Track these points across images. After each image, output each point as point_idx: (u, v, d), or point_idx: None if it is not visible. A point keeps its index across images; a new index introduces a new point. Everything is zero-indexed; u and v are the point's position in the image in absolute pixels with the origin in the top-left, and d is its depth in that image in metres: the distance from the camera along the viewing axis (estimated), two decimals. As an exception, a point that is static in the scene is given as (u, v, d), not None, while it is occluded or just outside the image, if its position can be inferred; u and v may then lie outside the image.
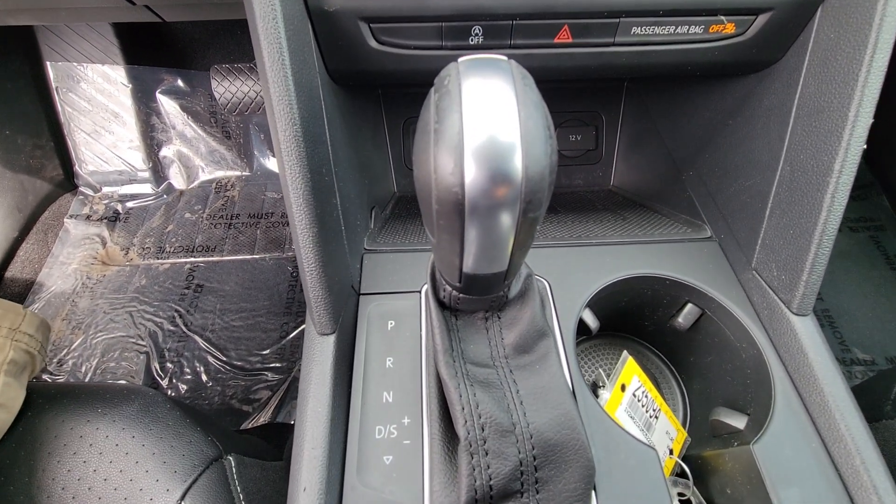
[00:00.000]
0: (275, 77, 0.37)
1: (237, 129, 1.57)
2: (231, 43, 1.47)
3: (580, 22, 0.41)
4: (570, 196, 0.76)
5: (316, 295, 0.42)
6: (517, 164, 0.23)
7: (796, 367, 0.43)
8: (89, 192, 1.54)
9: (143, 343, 1.24)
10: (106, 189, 1.54)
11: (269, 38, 0.36)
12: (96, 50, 1.43)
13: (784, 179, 0.45)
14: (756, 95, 0.49)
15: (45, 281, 1.36)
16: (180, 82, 1.50)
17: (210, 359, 1.22)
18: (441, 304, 0.38)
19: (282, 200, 1.55)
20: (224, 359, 1.22)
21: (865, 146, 0.40)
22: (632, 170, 0.75)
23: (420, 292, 0.49)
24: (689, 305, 0.53)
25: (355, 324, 0.47)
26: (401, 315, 0.47)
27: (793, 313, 0.45)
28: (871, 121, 0.39)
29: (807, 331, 0.44)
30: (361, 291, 0.50)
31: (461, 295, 0.35)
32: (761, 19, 0.42)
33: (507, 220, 0.26)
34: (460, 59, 0.26)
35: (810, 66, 0.43)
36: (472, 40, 0.42)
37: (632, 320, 0.59)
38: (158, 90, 1.49)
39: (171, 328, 1.27)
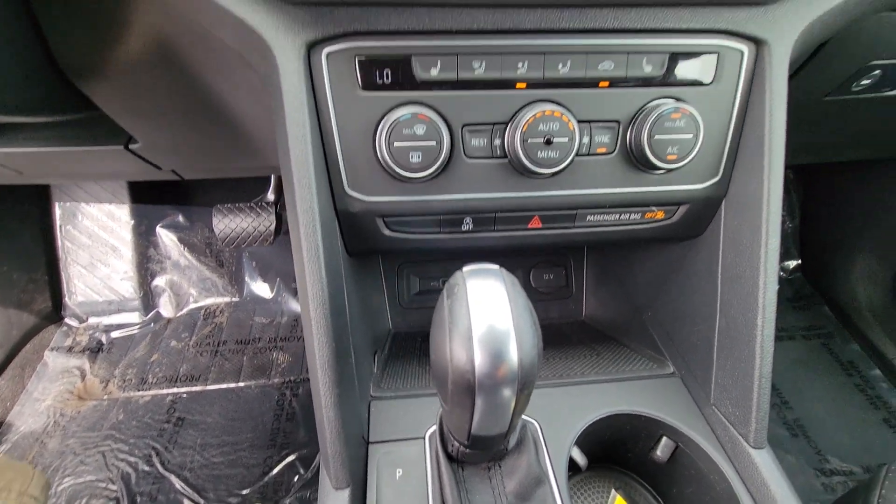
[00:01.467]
0: (311, 266, 0.46)
1: (231, 258, 1.66)
2: (232, 181, 1.62)
3: (547, 213, 0.54)
4: (549, 328, 0.85)
5: (335, 451, 0.46)
6: (513, 354, 0.32)
7: (762, 499, 0.49)
8: (75, 322, 1.55)
9: (115, 487, 1.17)
10: (92, 319, 1.56)
11: (308, 238, 0.46)
12: (105, 192, 1.55)
13: (722, 329, 0.55)
14: (689, 259, 0.61)
15: (14, 420, 1.30)
16: (181, 217, 1.62)
17: (186, 502, 1.15)
18: (449, 458, 0.43)
19: (269, 325, 1.59)
20: (201, 501, 1.15)
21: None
22: (600, 304, 0.86)
23: (424, 438, 0.54)
24: (665, 439, 0.59)
25: (366, 474, 0.51)
26: (408, 463, 0.51)
27: (751, 447, 0.52)
28: (777, 287, 0.50)
29: (765, 463, 0.51)
30: (370, 440, 0.54)
31: (468, 450, 0.41)
32: (682, 209, 0.56)
33: (507, 394, 0.33)
34: (464, 269, 0.36)
35: (724, 241, 0.55)
36: (464, 227, 0.54)
37: (617, 452, 0.64)
38: (159, 225, 1.60)
39: (147, 468, 1.21)
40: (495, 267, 0.36)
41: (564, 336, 0.81)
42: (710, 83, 0.50)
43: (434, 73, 0.47)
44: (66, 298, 1.56)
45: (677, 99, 0.49)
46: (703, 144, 0.50)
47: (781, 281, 1.76)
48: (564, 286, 0.89)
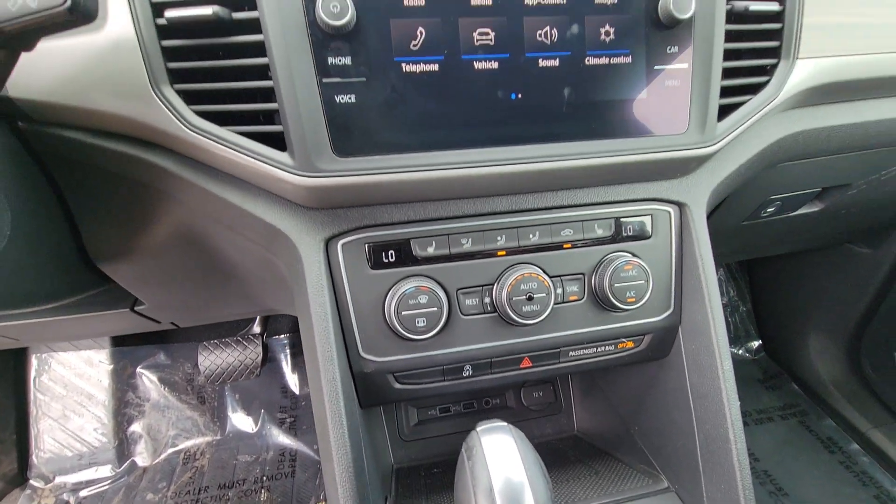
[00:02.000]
0: (335, 432, 0.51)
1: (213, 393, 1.63)
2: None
3: (535, 354, 0.62)
4: (545, 447, 0.88)
5: None
6: (529, 501, 0.37)
7: None
8: (40, 483, 1.43)
9: None
10: (59, 478, 1.45)
11: (332, 403, 0.52)
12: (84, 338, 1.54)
13: (703, 443, 0.62)
14: (662, 378, 0.69)
15: None
16: (162, 356, 1.60)
17: None
18: None
19: (255, 462, 1.52)
20: None
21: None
22: (590, 417, 0.91)
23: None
24: (671, 558, 0.61)
25: None
26: None
27: (750, 558, 0.56)
28: (739, 403, 0.58)
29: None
30: None
31: None
32: (647, 337, 0.65)
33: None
34: (478, 429, 0.42)
35: (688, 363, 0.64)
36: (464, 374, 0.61)
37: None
38: (140, 366, 1.57)
39: None
40: (504, 424, 0.42)
41: (561, 454, 0.85)
42: (650, 238, 0.62)
43: (430, 250, 0.57)
44: (33, 457, 1.46)
45: (630, 253, 0.61)
46: (654, 286, 0.61)
47: (750, 362, 1.87)
48: (554, 401, 0.94)
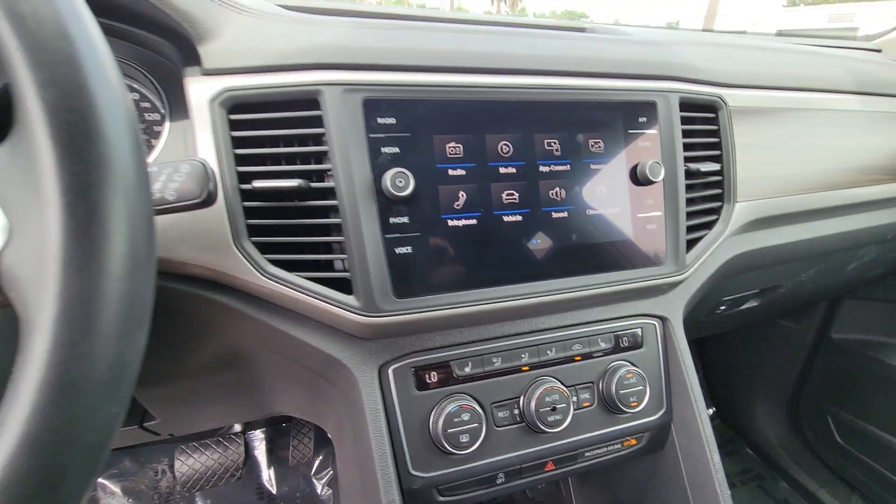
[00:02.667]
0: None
1: (180, 501, 1.51)
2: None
3: (557, 457, 0.70)
4: None
5: None
6: None
7: None
8: None
9: None
10: None
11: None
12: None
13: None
14: (660, 469, 0.79)
15: None
16: (128, 462, 1.49)
17: None
18: None
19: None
20: None
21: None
22: (589, 505, 0.98)
23: None
24: None
25: None
26: None
27: None
28: (729, 491, 0.69)
29: None
30: None
31: None
32: (647, 435, 0.75)
33: None
34: None
35: (682, 455, 0.75)
36: (498, 481, 0.67)
37: None
38: (102, 477, 1.45)
39: None
40: None
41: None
42: (642, 347, 0.74)
43: (467, 370, 0.65)
44: None
45: (628, 361, 0.72)
46: (651, 389, 0.72)
47: (707, 428, 2.01)
48: (558, 494, 1.00)
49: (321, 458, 1.63)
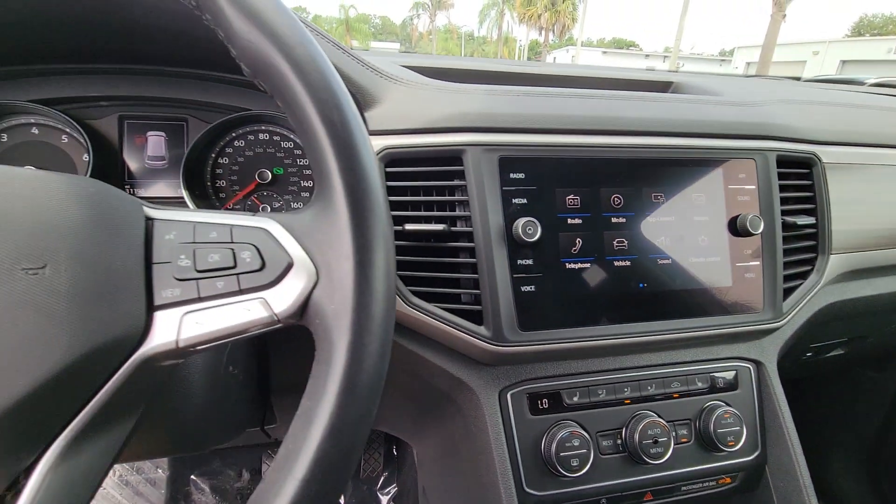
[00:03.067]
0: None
1: None
2: None
3: (656, 489, 0.74)
4: None
5: None
6: None
7: None
8: None
9: None
10: None
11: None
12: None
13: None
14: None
15: None
16: (217, 462, 1.62)
17: None
18: None
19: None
20: None
21: None
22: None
23: None
24: None
25: None
26: None
27: None
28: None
29: None
30: None
31: None
32: (741, 474, 0.78)
33: None
34: None
35: (777, 499, 0.77)
36: (599, 506, 0.72)
37: None
38: (194, 474, 1.58)
39: None
40: None
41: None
42: (738, 389, 0.78)
43: (575, 399, 0.72)
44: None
45: (724, 402, 0.76)
46: (746, 430, 0.76)
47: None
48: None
49: (387, 474, 1.71)
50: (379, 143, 0.67)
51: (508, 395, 0.69)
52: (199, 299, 0.37)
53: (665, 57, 37.90)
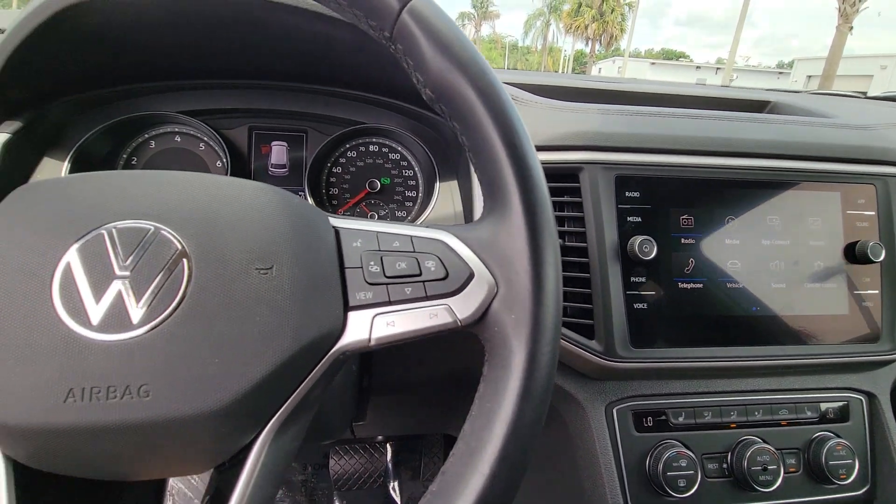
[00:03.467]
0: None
1: (322, 499, 1.67)
2: None
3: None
4: None
5: None
6: None
7: None
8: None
9: None
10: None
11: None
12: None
13: None
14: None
15: None
16: (282, 454, 1.69)
17: None
18: None
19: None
20: None
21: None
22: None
23: None
24: None
25: None
26: None
27: None
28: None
29: None
30: None
31: None
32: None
33: None
34: None
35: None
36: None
37: None
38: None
39: None
40: None
41: None
42: (849, 421, 0.75)
43: (681, 419, 0.71)
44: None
45: (833, 433, 0.74)
46: (859, 463, 0.73)
47: None
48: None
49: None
50: (497, 158, 0.69)
51: (615, 411, 0.70)
52: (390, 303, 0.40)
53: (718, 69, 36.55)
